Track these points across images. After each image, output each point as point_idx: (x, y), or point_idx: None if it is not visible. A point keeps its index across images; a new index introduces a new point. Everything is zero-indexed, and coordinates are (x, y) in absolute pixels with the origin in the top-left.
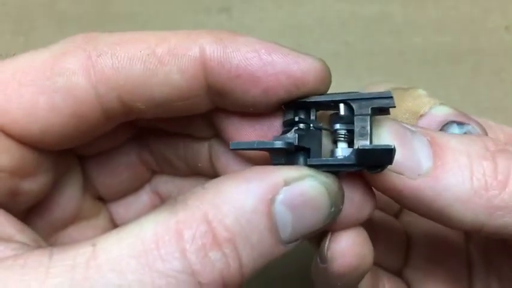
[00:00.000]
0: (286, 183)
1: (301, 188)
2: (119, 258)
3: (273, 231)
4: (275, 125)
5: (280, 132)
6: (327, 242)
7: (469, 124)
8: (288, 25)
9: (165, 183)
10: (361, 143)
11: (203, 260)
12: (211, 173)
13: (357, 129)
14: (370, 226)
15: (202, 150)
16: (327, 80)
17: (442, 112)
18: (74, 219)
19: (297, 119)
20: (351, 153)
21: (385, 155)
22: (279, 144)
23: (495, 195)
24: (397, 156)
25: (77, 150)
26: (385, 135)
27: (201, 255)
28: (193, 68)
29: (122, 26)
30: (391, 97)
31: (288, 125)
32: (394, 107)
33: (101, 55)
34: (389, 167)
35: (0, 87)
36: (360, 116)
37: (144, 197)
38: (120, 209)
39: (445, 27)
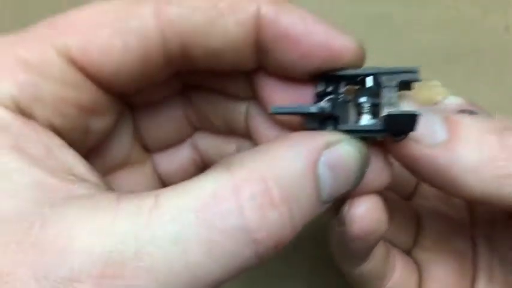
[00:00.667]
0: (327, 147)
1: (340, 150)
2: (179, 211)
3: (316, 191)
4: (307, 94)
5: (313, 102)
6: (346, 206)
7: (479, 114)
8: None
9: (204, 140)
10: (389, 110)
11: (260, 218)
12: (245, 134)
13: (385, 100)
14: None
15: (239, 111)
16: (360, 58)
17: (455, 101)
18: (124, 164)
19: (329, 89)
20: (379, 119)
21: (411, 121)
22: (314, 108)
23: (501, 166)
24: (417, 126)
25: (130, 99)
26: (408, 107)
27: (259, 214)
28: (249, 22)
29: None
30: (417, 71)
31: (320, 96)
32: (420, 80)
33: (169, 3)
34: (409, 135)
35: (80, 29)
36: (387, 88)
37: (185, 150)
38: (163, 159)
39: (445, 28)
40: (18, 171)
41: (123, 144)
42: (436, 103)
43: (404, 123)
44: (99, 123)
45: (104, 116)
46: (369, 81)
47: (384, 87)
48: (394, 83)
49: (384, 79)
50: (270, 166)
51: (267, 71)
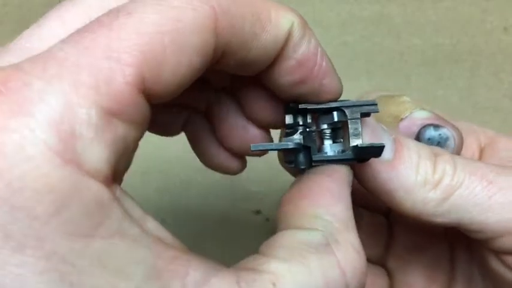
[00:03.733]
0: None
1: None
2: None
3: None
4: (279, 112)
5: (284, 130)
6: None
7: (444, 127)
8: None
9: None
10: (356, 141)
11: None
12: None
13: (351, 131)
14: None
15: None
16: (338, 97)
17: (420, 116)
18: None
19: (300, 122)
20: (350, 149)
21: (378, 150)
22: (292, 145)
23: (429, 189)
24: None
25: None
26: (366, 133)
27: (357, 284)
28: (282, 39)
29: None
30: (376, 104)
31: (290, 127)
32: (378, 111)
33: (223, 9)
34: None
35: (151, 54)
36: (352, 120)
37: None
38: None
39: (444, 28)
40: (130, 259)
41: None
42: (402, 118)
43: (372, 153)
44: (138, 134)
45: (143, 127)
46: (336, 116)
47: (349, 119)
48: (357, 115)
49: (348, 112)
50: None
51: (261, 84)
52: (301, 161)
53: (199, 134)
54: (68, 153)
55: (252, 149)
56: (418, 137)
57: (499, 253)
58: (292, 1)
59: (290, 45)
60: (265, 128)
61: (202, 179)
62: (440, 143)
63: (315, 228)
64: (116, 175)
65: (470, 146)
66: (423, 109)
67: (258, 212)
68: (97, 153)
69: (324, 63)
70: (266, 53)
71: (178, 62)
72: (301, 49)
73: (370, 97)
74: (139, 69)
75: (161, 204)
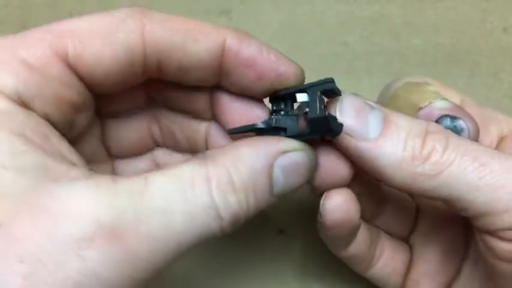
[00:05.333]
0: (282, 153)
1: (293, 157)
2: (165, 191)
3: (270, 186)
4: (260, 113)
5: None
6: (322, 200)
7: (460, 119)
8: (287, 26)
9: (164, 156)
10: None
11: (224, 201)
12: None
13: (311, 109)
14: (380, 196)
15: (200, 130)
16: (301, 79)
17: (439, 106)
18: (88, 162)
19: (281, 107)
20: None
21: (324, 122)
22: (261, 125)
23: (418, 165)
24: (352, 124)
25: (100, 108)
26: (345, 109)
27: (223, 197)
28: (216, 49)
29: None
30: (332, 81)
31: (273, 113)
32: (335, 88)
33: (152, 23)
34: (345, 131)
35: (77, 37)
36: (312, 99)
37: (144, 161)
38: (123, 166)
39: (444, 29)
40: (24, 153)
41: (90, 145)
42: (421, 108)
43: (321, 125)
44: (83, 119)
45: (87, 112)
46: (299, 97)
47: (311, 99)
48: (318, 94)
49: (309, 92)
50: (235, 162)
51: (229, 90)
52: None
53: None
54: None
55: (228, 132)
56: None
57: (482, 232)
58: (292, 1)
59: (231, 55)
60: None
61: None
62: (456, 133)
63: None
64: (27, 107)
65: (490, 134)
66: (444, 99)
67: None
68: (10, 83)
69: (271, 56)
70: (200, 61)
71: (101, 50)
72: (244, 53)
73: (398, 84)
74: (63, 39)
75: None
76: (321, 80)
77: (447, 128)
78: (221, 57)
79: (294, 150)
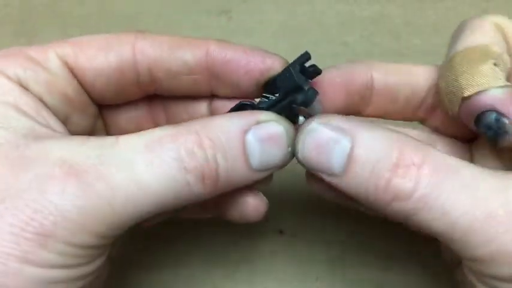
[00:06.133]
0: (258, 123)
1: (267, 126)
2: (133, 144)
3: (244, 154)
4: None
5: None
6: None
7: (508, 118)
8: (287, 26)
9: None
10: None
11: (190, 154)
12: None
13: (292, 82)
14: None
15: (202, 109)
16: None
17: (487, 96)
18: None
19: (263, 95)
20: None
21: (290, 78)
22: (246, 101)
23: (385, 204)
24: (313, 160)
25: (106, 119)
26: (307, 144)
27: (189, 151)
28: (201, 54)
29: (124, 27)
30: (308, 54)
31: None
32: (309, 57)
33: (143, 37)
34: (308, 166)
35: (76, 44)
36: (295, 73)
37: None
38: None
39: (444, 29)
40: (15, 118)
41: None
42: (464, 98)
43: (287, 81)
44: (80, 119)
45: (83, 114)
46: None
47: (293, 74)
48: (297, 67)
49: (290, 69)
50: (206, 127)
51: (222, 93)
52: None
53: None
54: None
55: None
56: (478, 118)
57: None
58: (292, 1)
59: (216, 58)
60: None
61: None
62: (497, 134)
63: None
64: (24, 87)
65: None
66: (500, 87)
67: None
68: (12, 68)
69: (256, 52)
70: (187, 64)
71: (95, 54)
72: (228, 54)
73: (458, 47)
74: (64, 44)
75: None
76: (298, 56)
77: (487, 126)
78: (207, 62)
79: (268, 120)
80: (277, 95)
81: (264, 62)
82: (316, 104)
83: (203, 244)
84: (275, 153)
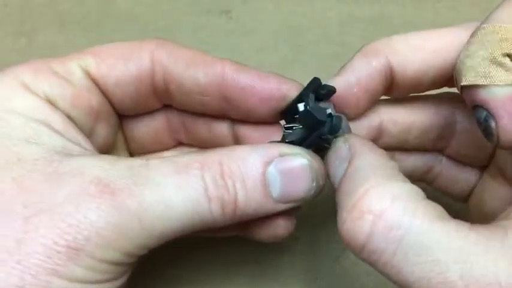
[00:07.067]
0: (280, 155)
1: (290, 160)
2: (162, 168)
3: (264, 185)
4: (274, 131)
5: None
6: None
7: (495, 120)
8: (287, 26)
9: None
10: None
11: (213, 182)
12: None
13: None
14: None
15: (222, 126)
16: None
17: (486, 94)
18: None
19: (285, 125)
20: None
21: (310, 116)
22: (275, 139)
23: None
24: (330, 171)
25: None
26: (330, 158)
27: (212, 180)
28: (215, 75)
29: (124, 27)
30: (318, 79)
31: (286, 129)
32: (321, 84)
33: (163, 49)
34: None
35: (98, 55)
36: (307, 102)
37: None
38: None
39: None
40: (47, 135)
41: (117, 151)
42: (463, 86)
43: (309, 119)
44: (103, 130)
45: (106, 124)
46: (300, 107)
47: (305, 103)
48: (310, 96)
49: (304, 98)
50: (229, 156)
51: (234, 116)
52: None
53: None
54: None
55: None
56: (473, 108)
57: None
58: (292, 1)
59: (230, 82)
60: None
61: None
62: (485, 133)
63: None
64: (52, 104)
65: None
66: (498, 85)
67: None
68: (40, 86)
69: (271, 80)
70: (199, 85)
71: (115, 63)
72: (241, 80)
73: (485, 23)
74: (86, 55)
75: None
76: (308, 83)
77: (478, 121)
78: (221, 85)
79: (291, 154)
80: (296, 124)
81: (279, 90)
82: (343, 126)
83: (203, 245)
84: (298, 185)
